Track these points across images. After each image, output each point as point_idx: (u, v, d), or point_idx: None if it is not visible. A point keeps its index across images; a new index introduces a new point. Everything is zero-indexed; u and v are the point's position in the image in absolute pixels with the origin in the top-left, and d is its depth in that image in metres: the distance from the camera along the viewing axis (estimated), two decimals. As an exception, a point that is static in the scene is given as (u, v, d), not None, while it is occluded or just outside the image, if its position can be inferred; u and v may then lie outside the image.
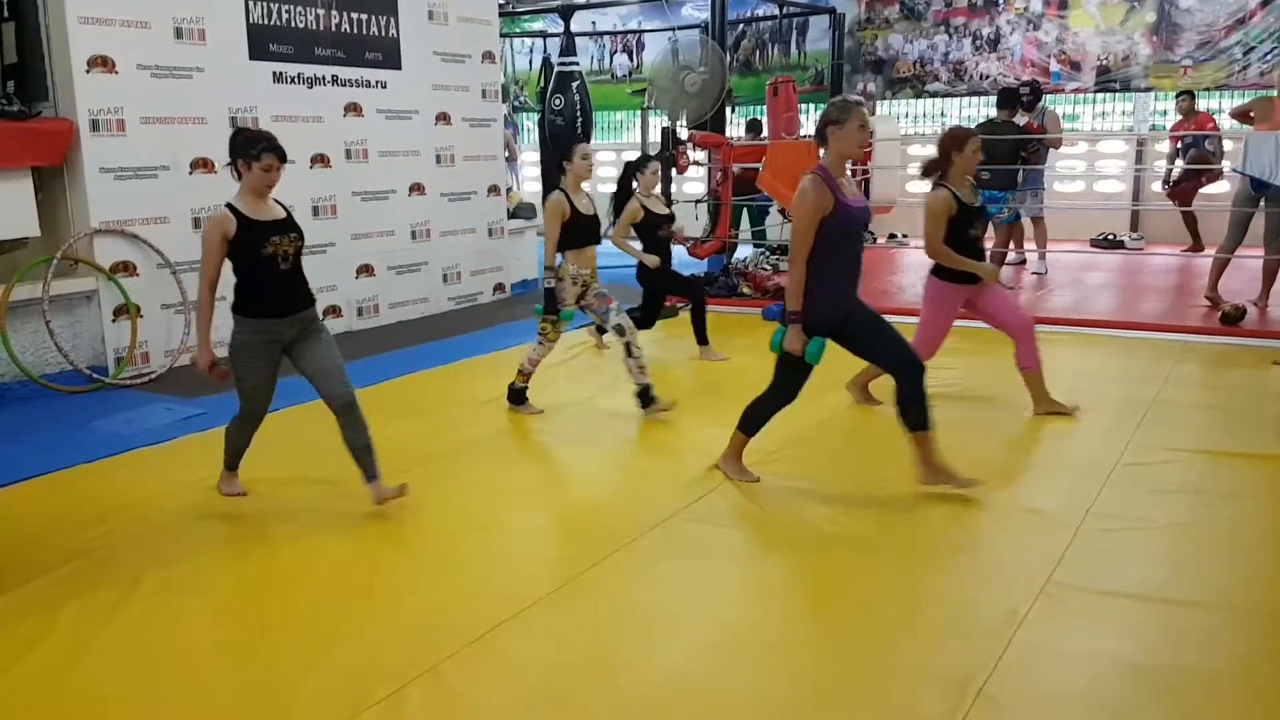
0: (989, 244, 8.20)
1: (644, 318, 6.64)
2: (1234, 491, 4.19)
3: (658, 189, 6.79)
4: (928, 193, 5.12)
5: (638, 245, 6.60)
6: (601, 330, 5.36)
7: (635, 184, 6.59)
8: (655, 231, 6.61)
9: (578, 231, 5.28)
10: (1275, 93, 7.61)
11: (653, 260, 6.55)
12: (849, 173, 4.08)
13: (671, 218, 6.77)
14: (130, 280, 6.48)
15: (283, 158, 3.95)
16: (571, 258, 5.30)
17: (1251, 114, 7.56)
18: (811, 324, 4.00)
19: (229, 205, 3.96)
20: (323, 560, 3.71)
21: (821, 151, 4.00)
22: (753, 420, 4.35)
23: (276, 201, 4.08)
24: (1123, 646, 2.99)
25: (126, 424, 5.39)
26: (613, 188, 6.77)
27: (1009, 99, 9.00)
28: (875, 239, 12.16)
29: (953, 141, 5.03)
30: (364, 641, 3.10)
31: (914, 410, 4.04)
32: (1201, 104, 11.16)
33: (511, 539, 3.92)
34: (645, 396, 5.32)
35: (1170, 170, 10.58)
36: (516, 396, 5.55)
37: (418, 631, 3.14)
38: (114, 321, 6.44)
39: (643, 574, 3.59)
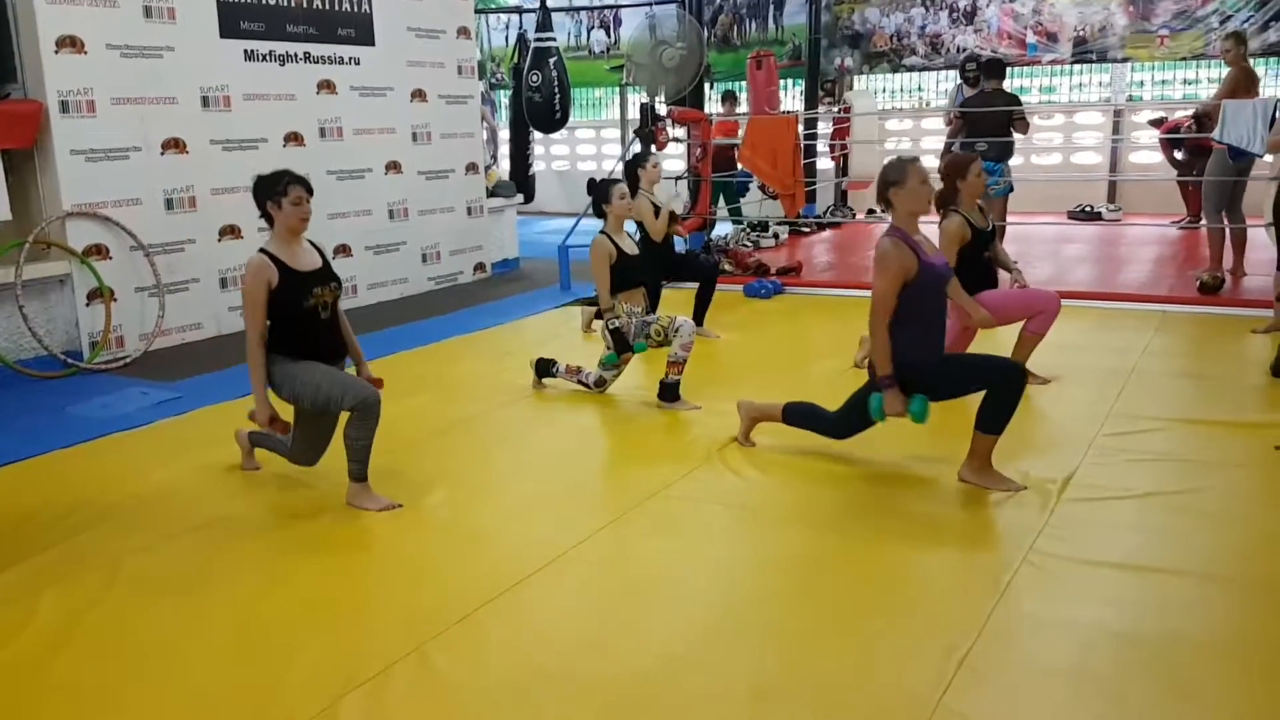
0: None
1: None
2: (1215, 459, 4.21)
3: (659, 184, 6.65)
4: (941, 221, 5.06)
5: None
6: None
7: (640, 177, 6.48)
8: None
9: (625, 273, 5.19)
10: (1228, 67, 7.62)
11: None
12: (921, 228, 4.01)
13: (680, 213, 6.65)
14: (103, 263, 6.40)
15: (309, 189, 3.82)
16: (622, 299, 5.20)
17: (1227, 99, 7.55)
18: (907, 384, 3.91)
19: (265, 252, 3.80)
20: (305, 543, 3.69)
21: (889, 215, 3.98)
22: (798, 418, 4.34)
23: (310, 243, 3.95)
24: (1106, 614, 3.01)
25: (103, 409, 5.34)
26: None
27: (996, 69, 8.82)
28: (854, 214, 12.17)
29: (955, 170, 5.01)
30: (348, 624, 3.08)
31: (997, 414, 3.90)
32: (1179, 74, 11.16)
33: (494, 519, 3.90)
34: (668, 390, 5.20)
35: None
36: (543, 369, 5.54)
37: (402, 613, 3.12)
38: (88, 305, 6.36)
39: (629, 551, 3.59)
